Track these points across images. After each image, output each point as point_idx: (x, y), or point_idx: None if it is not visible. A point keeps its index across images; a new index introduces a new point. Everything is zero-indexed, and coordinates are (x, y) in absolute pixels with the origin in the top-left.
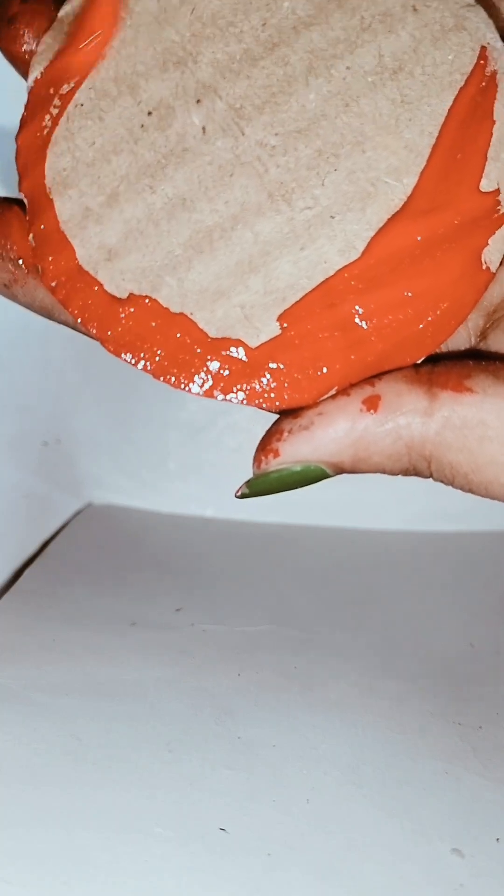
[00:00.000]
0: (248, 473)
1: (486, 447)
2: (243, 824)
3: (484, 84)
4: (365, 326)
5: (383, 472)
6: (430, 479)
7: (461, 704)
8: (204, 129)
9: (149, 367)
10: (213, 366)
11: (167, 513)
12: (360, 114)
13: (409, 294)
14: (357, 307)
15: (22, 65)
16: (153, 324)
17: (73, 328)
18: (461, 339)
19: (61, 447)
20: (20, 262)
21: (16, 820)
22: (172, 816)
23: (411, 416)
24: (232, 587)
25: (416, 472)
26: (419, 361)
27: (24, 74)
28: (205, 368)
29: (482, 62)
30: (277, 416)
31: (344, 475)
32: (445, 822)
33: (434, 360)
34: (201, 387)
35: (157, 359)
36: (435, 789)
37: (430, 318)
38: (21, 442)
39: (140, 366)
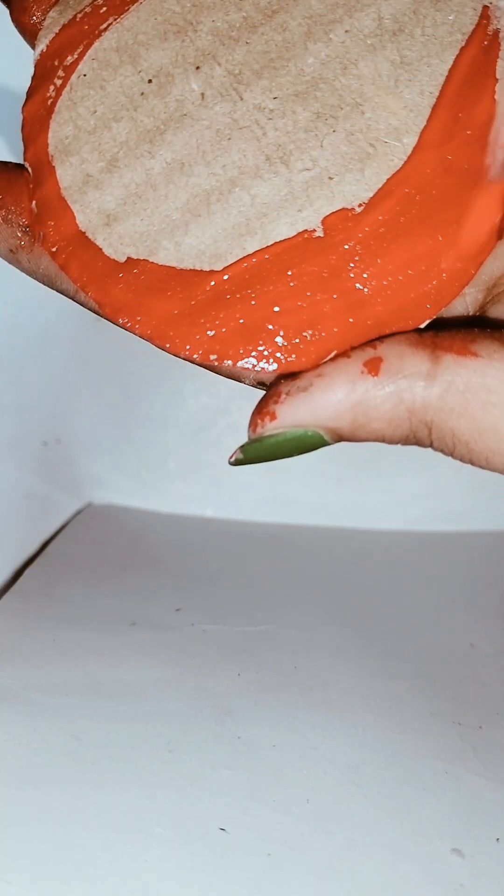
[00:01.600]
0: (249, 474)
1: (489, 413)
2: (243, 824)
3: (486, 43)
4: (364, 289)
5: (383, 440)
6: (430, 448)
7: (461, 704)
8: (203, 94)
9: (146, 332)
10: (210, 329)
11: (167, 513)
12: (358, 76)
13: (411, 255)
14: (356, 269)
15: (32, 37)
16: (150, 287)
17: (73, 298)
18: (460, 314)
19: (61, 447)
20: (27, 228)
21: (16, 820)
22: (172, 816)
23: (413, 380)
24: (232, 587)
25: (416, 440)
26: (422, 326)
27: (34, 47)
28: (201, 332)
29: (484, 21)
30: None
31: (344, 476)
32: (445, 822)
33: (436, 329)
34: (197, 351)
35: (153, 322)
36: (435, 789)
37: (433, 281)
38: (21, 442)
39: (137, 330)
